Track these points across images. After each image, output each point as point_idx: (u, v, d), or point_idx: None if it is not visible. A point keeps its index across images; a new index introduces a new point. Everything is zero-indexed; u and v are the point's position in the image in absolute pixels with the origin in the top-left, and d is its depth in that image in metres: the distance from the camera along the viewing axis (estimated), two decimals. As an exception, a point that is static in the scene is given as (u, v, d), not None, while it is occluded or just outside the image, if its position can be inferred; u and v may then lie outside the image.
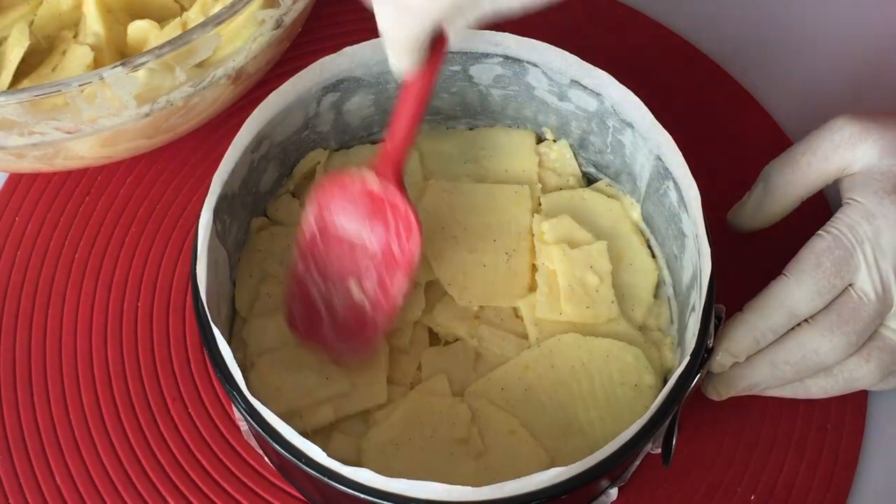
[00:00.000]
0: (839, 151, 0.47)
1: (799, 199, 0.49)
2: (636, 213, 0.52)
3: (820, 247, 0.45)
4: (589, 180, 0.55)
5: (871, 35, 0.65)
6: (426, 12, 0.37)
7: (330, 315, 0.48)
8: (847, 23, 0.66)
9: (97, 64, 0.53)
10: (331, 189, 0.46)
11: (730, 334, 0.45)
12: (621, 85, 0.48)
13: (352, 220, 0.46)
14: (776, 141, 0.60)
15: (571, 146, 0.54)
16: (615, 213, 0.53)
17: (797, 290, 0.45)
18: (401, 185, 0.45)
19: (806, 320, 0.45)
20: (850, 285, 0.45)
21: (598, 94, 0.49)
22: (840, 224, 0.45)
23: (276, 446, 0.40)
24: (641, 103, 0.47)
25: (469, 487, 0.37)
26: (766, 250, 0.56)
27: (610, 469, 0.40)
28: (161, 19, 0.55)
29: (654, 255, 0.52)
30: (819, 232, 0.46)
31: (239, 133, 0.46)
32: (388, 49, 0.40)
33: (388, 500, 0.38)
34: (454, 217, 0.51)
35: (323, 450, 0.38)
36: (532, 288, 0.50)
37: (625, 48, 0.63)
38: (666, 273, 0.51)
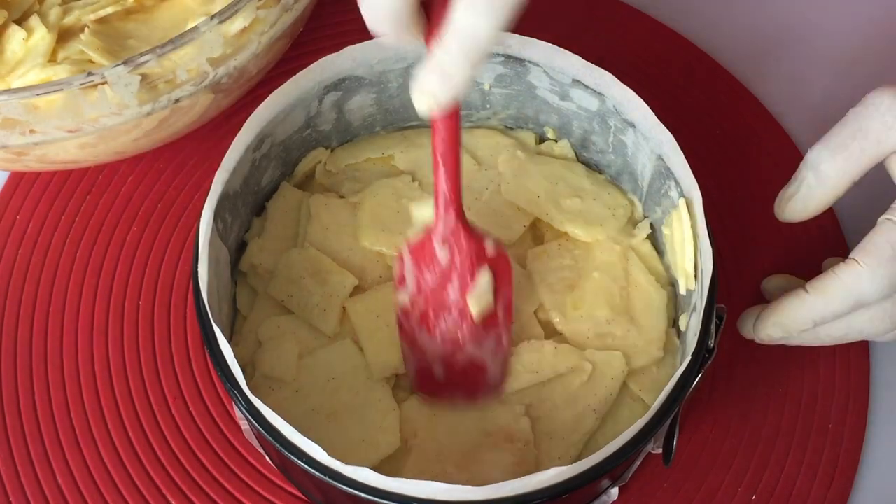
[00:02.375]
0: (893, 133, 0.44)
1: (850, 185, 0.46)
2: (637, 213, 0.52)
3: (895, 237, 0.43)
4: (590, 180, 0.55)
5: (874, 34, 0.65)
6: None
7: (448, 371, 0.46)
8: (850, 22, 0.66)
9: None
10: (413, 254, 0.45)
11: (789, 312, 0.45)
12: (623, 85, 0.48)
13: (434, 276, 0.45)
14: (778, 140, 0.60)
15: (573, 146, 0.54)
16: (617, 212, 0.53)
17: (870, 282, 0.43)
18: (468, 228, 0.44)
19: None
20: None
21: (599, 94, 0.49)
22: None
23: (277, 445, 0.40)
24: (643, 103, 0.47)
25: (469, 487, 0.37)
26: (767, 250, 0.56)
27: (611, 469, 0.39)
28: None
29: (655, 255, 0.52)
30: (888, 218, 0.43)
31: (240, 132, 0.46)
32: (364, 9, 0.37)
33: (388, 500, 0.38)
34: None
35: (324, 449, 0.38)
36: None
37: (627, 48, 0.63)
38: (667, 273, 0.51)
